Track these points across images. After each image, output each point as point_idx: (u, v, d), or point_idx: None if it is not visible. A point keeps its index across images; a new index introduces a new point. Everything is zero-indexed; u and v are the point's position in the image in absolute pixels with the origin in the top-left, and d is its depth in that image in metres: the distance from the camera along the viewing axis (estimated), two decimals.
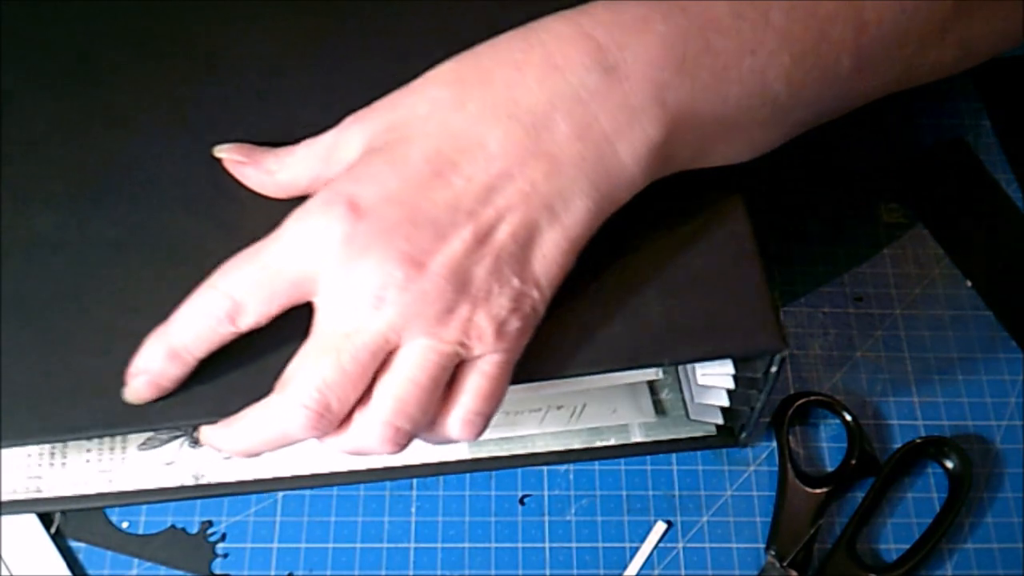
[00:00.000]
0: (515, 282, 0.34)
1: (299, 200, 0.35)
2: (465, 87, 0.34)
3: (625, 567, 0.45)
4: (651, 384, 0.47)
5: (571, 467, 0.47)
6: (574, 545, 0.46)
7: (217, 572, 0.45)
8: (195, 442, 0.45)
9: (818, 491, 0.45)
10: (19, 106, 0.42)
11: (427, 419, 0.34)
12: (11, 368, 0.36)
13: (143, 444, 0.45)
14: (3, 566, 0.44)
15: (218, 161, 0.40)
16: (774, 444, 0.48)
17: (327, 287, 0.33)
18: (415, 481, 0.47)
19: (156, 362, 0.34)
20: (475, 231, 0.33)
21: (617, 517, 0.46)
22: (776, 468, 0.47)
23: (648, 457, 0.47)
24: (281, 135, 0.40)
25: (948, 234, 0.54)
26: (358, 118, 0.36)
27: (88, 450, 0.45)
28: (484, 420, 0.35)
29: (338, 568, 0.45)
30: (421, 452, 0.45)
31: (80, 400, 0.36)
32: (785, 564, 0.44)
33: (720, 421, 0.46)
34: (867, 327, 0.51)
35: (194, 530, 0.45)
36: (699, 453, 0.48)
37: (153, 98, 0.42)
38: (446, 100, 0.34)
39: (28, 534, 0.45)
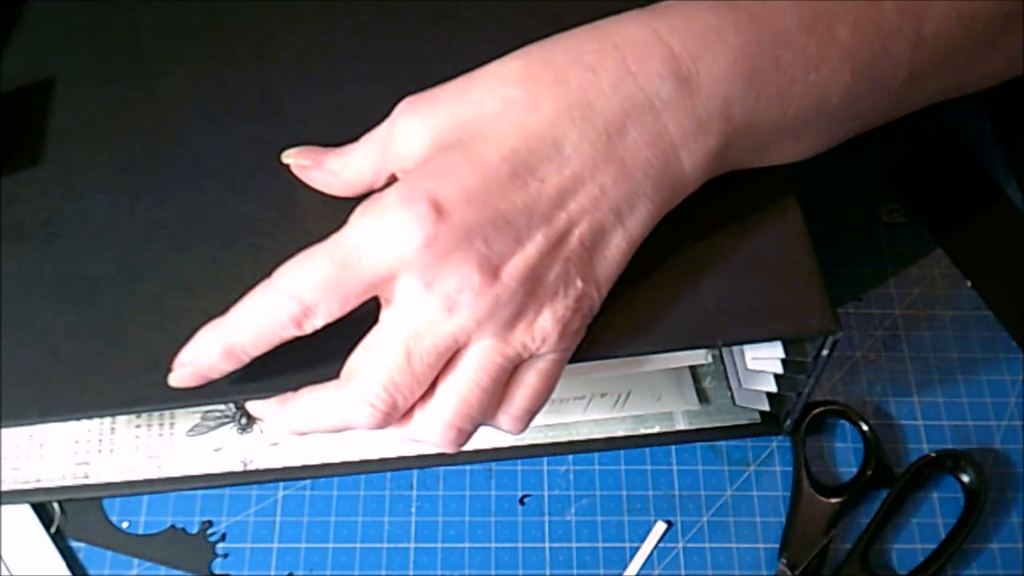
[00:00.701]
0: (579, 284, 0.34)
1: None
2: (539, 86, 0.34)
3: (625, 567, 0.45)
4: (694, 372, 0.47)
5: (571, 467, 0.47)
6: (574, 545, 0.46)
7: (217, 572, 0.45)
8: (243, 428, 0.45)
9: (832, 501, 0.45)
10: (69, 91, 0.42)
11: (486, 418, 0.35)
12: (66, 346, 0.37)
13: (191, 430, 0.46)
14: (3, 566, 0.44)
15: (266, 144, 0.40)
16: (774, 444, 0.48)
17: (403, 287, 0.33)
18: (415, 481, 0.47)
19: (209, 357, 0.34)
20: (549, 235, 0.33)
21: (617, 517, 0.46)
22: (775, 468, 0.47)
23: (648, 457, 0.48)
24: (328, 119, 0.40)
25: (948, 234, 0.54)
26: (415, 109, 0.35)
27: (136, 436, 0.45)
28: (533, 416, 0.36)
29: (338, 568, 0.45)
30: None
31: (133, 375, 0.36)
32: (797, 573, 0.44)
33: (766, 407, 0.46)
34: (867, 327, 0.51)
35: (194, 530, 0.45)
36: (699, 453, 0.48)
37: (200, 83, 0.42)
38: (519, 99, 0.34)
39: (28, 534, 0.45)
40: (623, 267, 0.35)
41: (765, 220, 0.39)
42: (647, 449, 0.48)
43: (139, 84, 0.42)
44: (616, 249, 0.35)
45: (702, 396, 0.47)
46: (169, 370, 0.35)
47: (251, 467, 0.45)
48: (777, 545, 0.46)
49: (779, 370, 0.42)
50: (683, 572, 0.45)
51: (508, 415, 0.35)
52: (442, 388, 0.34)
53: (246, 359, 0.34)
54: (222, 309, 0.36)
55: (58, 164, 0.41)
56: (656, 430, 0.46)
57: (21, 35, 0.44)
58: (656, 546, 0.46)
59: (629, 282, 0.37)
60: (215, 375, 0.34)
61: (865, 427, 0.47)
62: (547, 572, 0.45)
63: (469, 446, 0.44)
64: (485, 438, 0.45)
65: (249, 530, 0.46)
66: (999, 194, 0.55)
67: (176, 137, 0.41)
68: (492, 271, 0.32)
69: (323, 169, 0.38)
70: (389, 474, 0.47)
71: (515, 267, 0.33)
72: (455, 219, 0.32)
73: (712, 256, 0.39)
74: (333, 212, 0.38)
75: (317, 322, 0.33)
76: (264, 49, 0.43)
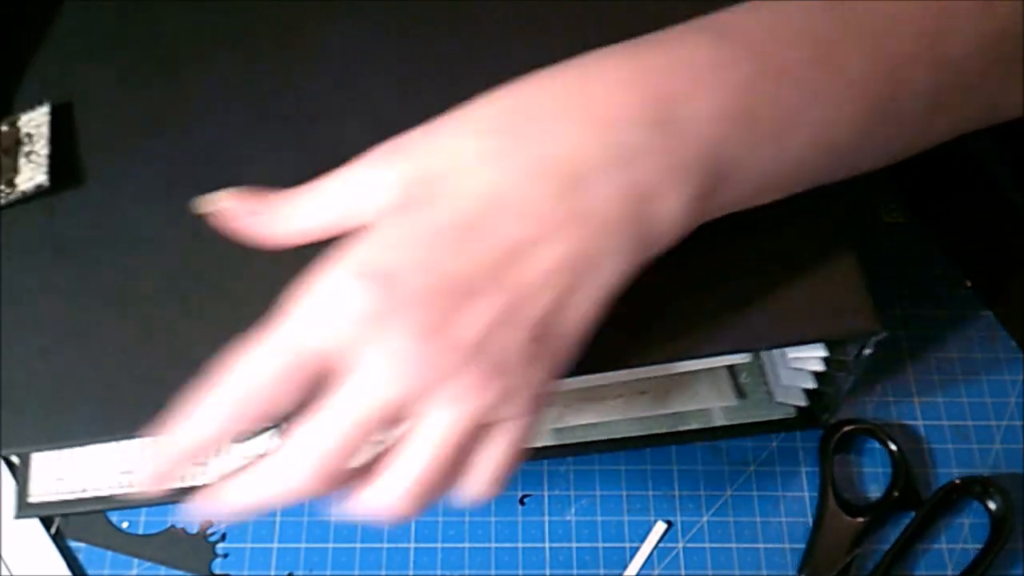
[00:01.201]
0: (543, 347, 0.32)
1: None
2: (501, 138, 0.32)
3: (625, 567, 0.45)
4: (731, 368, 0.47)
5: (571, 467, 0.47)
6: (574, 545, 0.46)
7: (217, 572, 0.45)
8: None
9: (858, 520, 0.45)
10: (101, 101, 0.42)
11: (447, 486, 0.33)
12: (121, 362, 0.37)
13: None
14: (3, 566, 0.44)
15: (303, 150, 0.39)
16: (775, 445, 0.48)
17: (351, 357, 0.31)
18: None
19: (164, 466, 0.33)
20: (503, 298, 0.31)
21: (617, 517, 0.46)
22: (775, 468, 0.47)
23: (648, 457, 0.47)
24: (364, 123, 0.40)
25: (948, 234, 0.54)
26: (388, 158, 0.33)
27: None
28: (501, 483, 0.34)
29: (338, 568, 0.45)
30: None
31: (185, 391, 0.36)
32: None
33: (804, 403, 0.46)
34: None
35: (194, 530, 0.45)
36: (699, 453, 0.48)
37: (234, 89, 0.42)
38: (479, 152, 0.32)
39: (28, 534, 0.45)
40: (596, 321, 0.33)
41: (804, 219, 0.39)
42: (647, 449, 0.48)
43: (173, 92, 0.42)
44: (582, 309, 0.32)
45: (739, 392, 0.47)
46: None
47: None
48: (777, 545, 0.46)
49: (820, 368, 0.42)
50: (683, 572, 0.45)
51: (475, 483, 0.33)
52: (399, 458, 0.32)
53: (204, 459, 0.33)
54: None
55: (96, 176, 0.41)
56: (694, 427, 0.47)
57: (50, 44, 0.44)
58: (656, 546, 0.46)
59: (672, 286, 0.37)
60: (176, 480, 0.34)
61: (893, 447, 0.47)
62: (547, 572, 0.45)
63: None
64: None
65: (249, 530, 0.46)
66: (999, 194, 0.55)
67: (213, 146, 0.41)
68: (441, 337, 0.31)
69: (273, 215, 0.35)
70: None
71: (466, 332, 0.31)
72: (398, 289, 0.31)
73: (754, 258, 0.39)
74: None
75: (269, 414, 0.32)
76: (297, 54, 0.43)
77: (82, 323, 0.38)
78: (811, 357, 0.42)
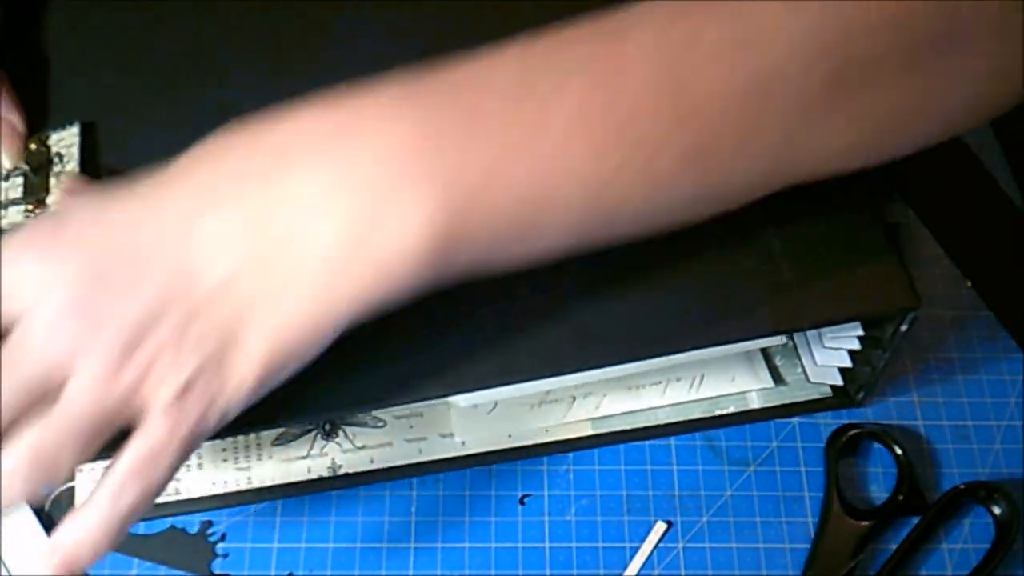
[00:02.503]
0: (201, 363, 0.31)
1: None
2: (150, 199, 0.32)
3: (625, 567, 0.45)
4: (764, 350, 0.48)
5: (571, 467, 0.47)
6: (574, 545, 0.46)
7: (217, 572, 0.45)
8: (328, 434, 0.46)
9: (862, 523, 0.45)
10: (134, 114, 0.42)
11: (67, 468, 0.31)
12: None
13: (277, 439, 0.46)
14: (3, 566, 0.44)
15: None
16: (775, 445, 0.48)
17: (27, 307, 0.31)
18: (415, 481, 0.47)
19: None
20: (163, 296, 0.31)
21: (617, 517, 0.46)
22: (775, 468, 0.47)
23: (648, 457, 0.47)
24: None
25: (948, 234, 0.54)
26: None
27: (224, 449, 0.45)
28: (131, 502, 0.31)
29: (338, 568, 0.45)
30: (536, 434, 0.46)
31: None
32: None
33: (839, 382, 0.46)
34: None
35: (194, 530, 0.45)
36: (699, 453, 0.48)
37: (266, 94, 0.42)
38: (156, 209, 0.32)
39: (28, 534, 0.45)
40: (279, 368, 0.32)
41: (834, 198, 0.40)
42: (647, 449, 0.47)
43: (205, 100, 0.42)
44: (256, 350, 0.31)
45: (774, 374, 0.48)
46: None
47: (340, 472, 0.45)
48: (777, 545, 0.46)
49: (856, 347, 0.43)
50: (683, 572, 0.45)
51: (103, 486, 0.31)
52: (33, 426, 0.31)
53: None
54: None
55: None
56: (731, 410, 0.47)
57: (79, 51, 0.43)
58: (656, 546, 0.46)
59: (708, 270, 0.38)
60: None
61: (899, 451, 0.47)
62: (547, 572, 0.45)
63: (525, 441, 0.45)
64: (568, 429, 0.46)
65: (249, 530, 0.45)
66: (999, 194, 0.55)
67: None
68: (95, 310, 0.30)
69: None
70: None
71: (123, 313, 0.30)
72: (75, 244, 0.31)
73: (788, 239, 0.39)
74: None
75: None
76: (328, 59, 0.43)
77: None
78: (848, 336, 0.43)
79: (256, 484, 0.45)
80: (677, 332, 0.38)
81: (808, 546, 0.46)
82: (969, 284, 0.52)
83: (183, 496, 0.45)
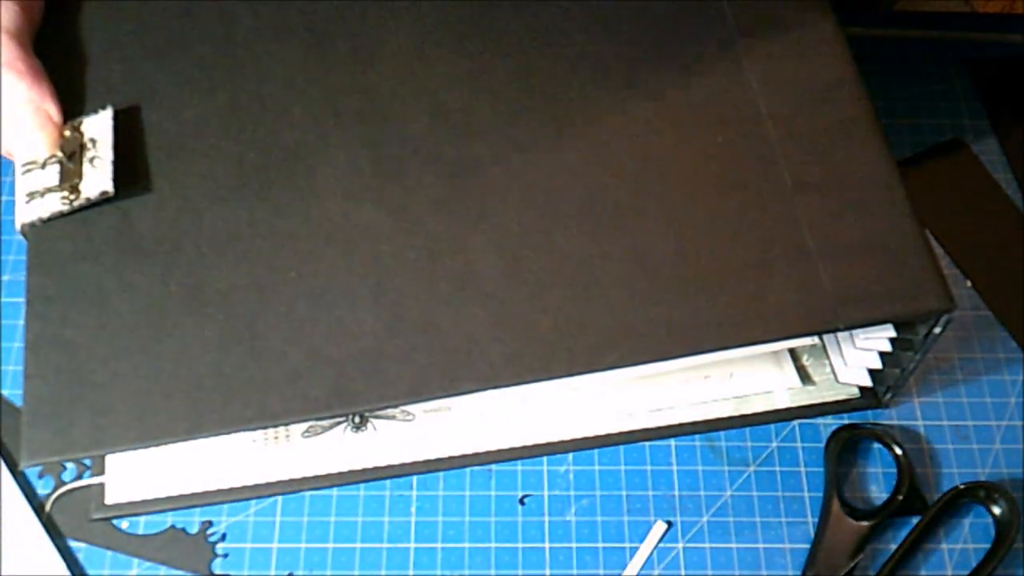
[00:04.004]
0: None
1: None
2: None
3: (625, 567, 0.45)
4: (792, 349, 0.48)
5: (571, 467, 0.47)
6: (574, 545, 0.46)
7: (217, 572, 0.45)
8: (357, 428, 0.46)
9: (862, 524, 0.45)
10: (170, 103, 0.42)
11: None
12: (205, 361, 0.37)
13: (306, 432, 0.46)
14: (3, 566, 0.44)
15: (374, 147, 0.40)
16: (775, 445, 0.48)
17: None
18: (415, 481, 0.47)
19: None
20: None
21: (617, 517, 0.46)
22: (775, 468, 0.47)
23: (648, 457, 0.47)
24: (433, 119, 0.41)
25: (948, 234, 0.54)
26: None
27: (253, 440, 0.46)
28: None
29: (338, 568, 0.45)
30: (565, 427, 0.46)
31: (275, 388, 0.37)
32: None
33: (868, 383, 0.46)
34: None
35: (194, 530, 0.45)
36: (699, 453, 0.48)
37: (302, 87, 0.42)
38: None
39: (28, 534, 0.45)
40: None
41: (871, 199, 0.40)
42: (647, 449, 0.48)
43: (242, 90, 0.42)
44: None
45: (801, 373, 0.48)
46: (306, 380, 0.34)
47: (369, 466, 0.45)
48: (777, 545, 0.46)
49: (887, 348, 0.43)
50: (683, 572, 0.45)
51: None
52: None
53: None
54: (353, 318, 0.36)
55: (170, 177, 0.40)
56: (758, 409, 0.47)
57: (114, 45, 0.43)
58: (656, 546, 0.46)
59: (744, 268, 0.38)
60: None
61: (899, 451, 0.47)
62: (547, 572, 0.45)
63: (547, 437, 0.46)
64: (597, 425, 0.46)
65: (249, 530, 0.46)
66: (999, 194, 0.55)
67: (286, 144, 0.41)
68: None
69: None
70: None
71: None
72: None
73: (824, 239, 0.39)
74: (449, 215, 0.39)
75: None
76: (362, 49, 0.43)
77: (163, 322, 0.38)
78: (879, 337, 0.42)
79: (285, 476, 0.45)
80: (712, 331, 0.38)
81: (808, 546, 0.46)
82: (969, 284, 0.52)
83: (211, 488, 0.45)
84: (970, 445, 0.48)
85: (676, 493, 0.47)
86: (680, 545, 0.46)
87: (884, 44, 0.60)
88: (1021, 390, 0.50)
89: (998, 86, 0.58)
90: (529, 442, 0.46)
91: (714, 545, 0.46)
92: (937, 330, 0.39)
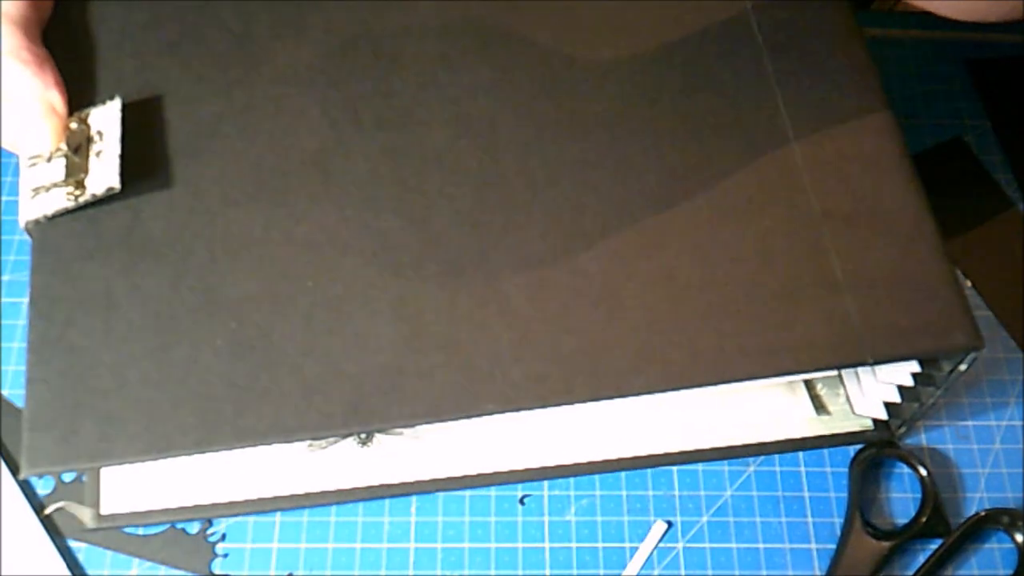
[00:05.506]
0: None
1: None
2: None
3: (625, 567, 0.45)
4: (806, 380, 0.47)
5: None
6: (574, 545, 0.46)
7: (217, 572, 0.45)
8: (363, 442, 0.45)
9: (883, 544, 0.45)
10: (184, 100, 0.41)
11: None
12: (218, 370, 0.36)
13: (311, 446, 0.45)
14: (2, 566, 0.44)
15: (395, 154, 0.39)
16: None
17: None
18: None
19: None
20: None
21: (617, 517, 0.46)
22: (775, 468, 0.47)
23: None
24: (455, 127, 0.40)
25: (948, 234, 0.54)
26: None
27: (257, 452, 0.44)
28: None
29: (338, 568, 0.45)
30: (574, 449, 0.46)
31: (290, 401, 0.35)
32: None
33: (884, 416, 0.46)
34: None
35: (194, 530, 0.45)
36: None
37: (322, 91, 0.41)
38: None
39: (28, 534, 0.45)
40: None
41: (899, 232, 0.39)
42: None
43: (259, 90, 0.41)
44: None
45: (815, 402, 0.47)
46: (322, 394, 0.33)
47: (374, 483, 0.44)
48: (777, 545, 0.46)
49: (909, 383, 0.42)
50: (683, 572, 0.45)
51: None
52: None
53: None
54: (372, 332, 0.35)
55: (183, 178, 0.39)
56: (770, 438, 0.46)
57: (126, 39, 0.42)
58: (656, 546, 0.46)
59: (770, 298, 0.37)
60: None
61: (924, 472, 0.46)
62: (547, 572, 0.45)
63: (551, 460, 0.45)
64: (607, 449, 0.45)
65: (249, 530, 0.45)
66: (999, 194, 0.55)
67: (304, 147, 0.40)
68: None
69: None
70: None
71: None
72: None
73: (852, 271, 0.38)
74: (471, 228, 0.38)
75: None
76: (383, 54, 0.42)
77: (173, 328, 0.36)
78: (902, 371, 0.42)
79: (289, 491, 0.44)
80: (739, 360, 0.37)
81: (807, 546, 0.46)
82: (969, 284, 0.52)
83: (215, 500, 0.44)
84: (970, 445, 0.48)
85: (676, 493, 0.47)
86: (680, 545, 0.46)
87: (884, 44, 0.60)
88: (1021, 390, 0.49)
89: (998, 86, 0.58)
90: (535, 464, 0.45)
91: (714, 545, 0.46)
92: (963, 367, 0.39)
